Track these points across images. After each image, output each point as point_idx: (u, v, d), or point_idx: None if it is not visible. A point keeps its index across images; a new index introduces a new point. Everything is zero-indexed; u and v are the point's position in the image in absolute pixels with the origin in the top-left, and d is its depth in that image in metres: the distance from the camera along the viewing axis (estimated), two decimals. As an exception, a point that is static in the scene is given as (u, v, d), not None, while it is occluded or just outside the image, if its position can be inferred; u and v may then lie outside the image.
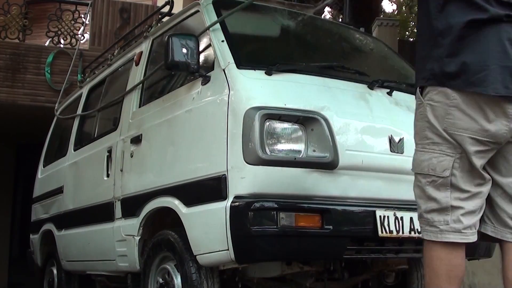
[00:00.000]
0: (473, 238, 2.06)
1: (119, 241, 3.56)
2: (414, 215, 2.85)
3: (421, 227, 2.12)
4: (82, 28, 7.58)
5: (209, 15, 3.13)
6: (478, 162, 2.02)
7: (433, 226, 2.05)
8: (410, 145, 3.00)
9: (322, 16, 10.21)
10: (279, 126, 2.68)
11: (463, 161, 2.02)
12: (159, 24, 3.85)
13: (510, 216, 2.14)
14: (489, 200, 2.11)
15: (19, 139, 9.18)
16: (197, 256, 2.79)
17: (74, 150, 4.66)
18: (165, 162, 3.17)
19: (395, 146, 2.94)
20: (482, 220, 2.12)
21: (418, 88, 2.12)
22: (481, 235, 2.16)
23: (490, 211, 2.13)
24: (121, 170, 3.60)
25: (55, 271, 4.99)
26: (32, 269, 5.70)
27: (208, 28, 3.05)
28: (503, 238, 2.17)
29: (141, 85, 3.66)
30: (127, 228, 3.46)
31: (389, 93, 3.15)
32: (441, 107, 2.02)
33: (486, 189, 2.08)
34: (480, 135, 2.00)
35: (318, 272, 3.08)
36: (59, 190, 4.80)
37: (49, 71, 6.90)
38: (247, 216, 2.52)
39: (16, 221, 9.83)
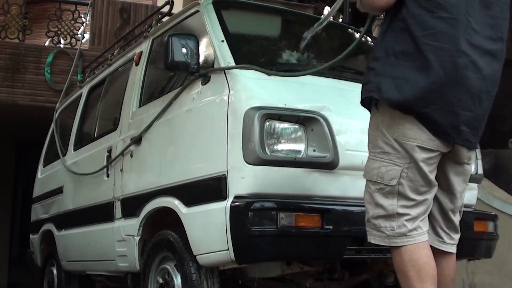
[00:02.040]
0: (422, 238, 2.14)
1: (119, 241, 3.56)
2: (414, 215, 2.86)
3: (368, 231, 2.21)
4: (82, 28, 7.58)
5: (209, 15, 3.12)
6: (427, 168, 2.12)
7: (380, 231, 2.15)
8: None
9: (322, 16, 10.20)
10: (279, 126, 2.68)
11: (411, 170, 2.11)
12: (159, 24, 3.84)
13: (441, 227, 2.30)
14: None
15: (19, 139, 9.18)
16: (197, 256, 2.79)
17: (74, 150, 4.66)
18: (165, 162, 3.16)
19: (395, 146, 2.93)
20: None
21: (373, 99, 2.19)
22: None
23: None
24: (121, 170, 3.60)
25: (55, 271, 4.99)
26: (32, 269, 5.70)
27: None
28: (432, 244, 2.28)
29: (141, 85, 3.66)
30: (127, 228, 3.46)
31: (389, 93, 3.15)
32: (393, 118, 2.12)
33: (431, 196, 2.19)
34: (428, 145, 2.10)
35: (318, 272, 3.08)
36: (59, 190, 4.80)
37: (49, 71, 6.89)
38: (247, 216, 2.52)
39: (16, 221, 9.84)
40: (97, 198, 3.90)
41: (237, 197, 2.58)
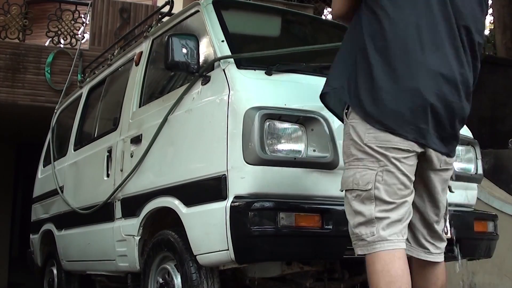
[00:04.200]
0: (402, 245, 2.08)
1: (119, 241, 3.56)
2: (414, 215, 2.86)
3: (353, 244, 2.17)
4: (82, 28, 7.58)
5: (209, 15, 3.13)
6: (404, 168, 2.09)
7: (362, 240, 2.10)
8: (410, 145, 3.00)
9: (322, 16, 10.21)
10: (279, 126, 2.68)
11: (386, 174, 2.07)
12: (159, 24, 3.84)
13: (425, 238, 2.28)
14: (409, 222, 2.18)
15: (19, 139, 9.18)
16: (197, 256, 2.79)
17: (74, 150, 4.66)
18: (165, 162, 3.17)
19: (395, 146, 2.93)
20: None
21: (344, 110, 2.21)
22: None
23: (409, 231, 2.21)
24: (121, 170, 3.60)
25: (55, 271, 4.99)
26: (32, 269, 5.70)
27: None
28: (418, 256, 2.29)
29: (141, 85, 3.66)
30: (127, 228, 3.46)
31: (389, 93, 3.15)
32: (361, 123, 2.11)
33: (410, 198, 2.14)
34: (401, 145, 2.07)
35: (318, 272, 3.08)
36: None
37: (49, 71, 6.90)
38: (247, 216, 2.52)
39: (16, 221, 9.84)
40: (97, 198, 3.90)
41: (237, 197, 2.58)
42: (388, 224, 2.07)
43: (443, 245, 2.35)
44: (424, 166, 2.19)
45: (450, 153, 2.22)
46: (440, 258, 2.34)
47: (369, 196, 2.08)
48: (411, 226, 2.22)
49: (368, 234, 2.08)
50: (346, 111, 2.20)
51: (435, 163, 2.19)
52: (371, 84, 2.09)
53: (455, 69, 2.11)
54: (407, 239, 2.16)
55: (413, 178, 2.14)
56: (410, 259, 2.25)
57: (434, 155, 2.16)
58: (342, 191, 2.21)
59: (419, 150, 2.12)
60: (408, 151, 2.09)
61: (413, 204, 2.18)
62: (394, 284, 2.02)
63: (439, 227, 2.32)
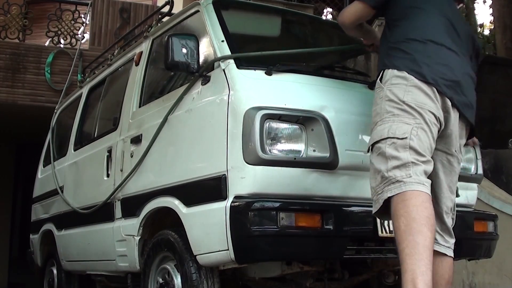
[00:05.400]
0: (427, 188, 2.20)
1: (119, 241, 3.56)
2: (414, 215, 2.85)
3: (381, 191, 2.24)
4: (82, 28, 7.57)
5: (209, 15, 3.12)
6: (432, 133, 2.28)
7: (397, 182, 2.19)
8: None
9: (323, 16, 10.20)
10: (279, 126, 2.68)
11: (420, 131, 2.25)
12: (159, 24, 3.84)
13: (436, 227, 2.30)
14: None
15: (19, 139, 9.18)
16: (197, 256, 2.79)
17: (74, 150, 4.66)
18: (165, 162, 3.16)
19: (395, 146, 2.93)
20: None
21: (378, 76, 2.42)
22: None
23: None
24: (121, 170, 3.60)
25: (55, 271, 4.99)
26: (32, 269, 5.70)
27: None
28: None
29: (141, 85, 3.66)
30: (127, 228, 3.46)
31: (389, 93, 3.15)
32: (401, 87, 2.32)
33: (432, 164, 2.28)
34: (435, 111, 2.30)
35: (318, 272, 3.08)
36: (59, 190, 4.80)
37: (49, 71, 6.89)
38: (247, 216, 2.52)
39: (16, 221, 9.83)
40: (97, 198, 3.90)
41: (237, 197, 2.58)
42: (421, 171, 2.19)
43: (452, 241, 2.40)
44: (441, 148, 2.37)
45: (470, 119, 2.44)
46: (448, 252, 2.38)
47: (404, 144, 2.21)
48: None
49: (403, 176, 2.17)
50: (380, 78, 2.41)
51: (454, 143, 2.37)
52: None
53: None
54: None
55: (434, 147, 2.30)
56: None
57: (454, 133, 2.36)
58: (369, 147, 2.35)
59: (442, 126, 2.31)
60: (438, 119, 2.28)
61: (431, 185, 2.27)
62: (430, 220, 2.10)
63: (448, 220, 2.35)
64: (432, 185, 2.28)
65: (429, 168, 2.25)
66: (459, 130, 2.48)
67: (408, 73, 2.34)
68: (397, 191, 2.15)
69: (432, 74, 2.33)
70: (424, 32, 2.42)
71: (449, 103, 2.37)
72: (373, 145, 2.34)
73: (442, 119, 2.34)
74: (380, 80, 2.44)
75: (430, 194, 2.18)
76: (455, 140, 2.42)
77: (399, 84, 2.33)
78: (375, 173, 2.27)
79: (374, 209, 2.32)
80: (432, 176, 2.31)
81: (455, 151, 2.43)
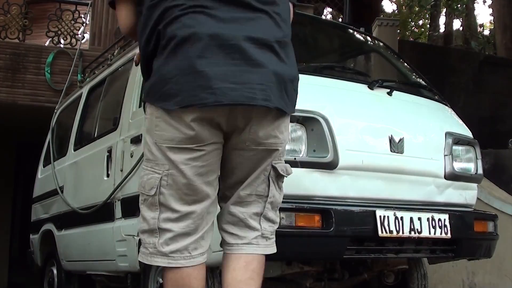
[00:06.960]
0: (185, 262, 1.90)
1: (119, 241, 3.56)
2: (414, 215, 2.86)
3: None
4: (82, 28, 7.58)
5: (209, 15, 3.11)
6: (190, 171, 1.86)
7: (145, 247, 1.92)
8: (410, 145, 3.01)
9: (322, 16, 10.21)
10: (279, 126, 2.67)
11: (171, 178, 1.86)
12: (159, 24, 3.83)
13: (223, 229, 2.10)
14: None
15: (19, 139, 9.18)
16: (197, 256, 2.78)
17: (74, 150, 4.66)
18: (165, 162, 3.15)
19: (395, 146, 2.94)
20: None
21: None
22: None
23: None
24: (121, 170, 3.60)
25: (55, 271, 4.99)
26: (32, 269, 5.70)
27: None
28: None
29: (141, 85, 3.66)
30: (127, 228, 3.45)
31: (389, 93, 3.15)
32: (151, 119, 1.90)
33: (200, 208, 1.93)
34: (186, 143, 1.84)
35: (318, 272, 3.08)
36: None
37: (49, 71, 6.89)
38: (247, 216, 2.51)
39: (16, 221, 9.83)
40: (97, 198, 3.90)
41: (237, 197, 2.57)
42: (170, 238, 1.90)
43: (249, 234, 2.11)
44: (231, 145, 1.99)
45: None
46: (244, 249, 2.12)
47: (154, 202, 1.91)
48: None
49: (150, 245, 1.92)
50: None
51: (240, 137, 1.96)
52: None
53: None
54: None
55: (204, 185, 2.00)
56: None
57: (233, 121, 1.92)
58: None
59: (217, 139, 1.93)
60: (194, 150, 1.90)
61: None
62: None
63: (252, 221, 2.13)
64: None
65: (186, 223, 1.93)
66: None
67: None
68: (144, 261, 1.91)
69: None
70: None
71: None
72: None
73: (207, 130, 1.89)
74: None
75: (177, 267, 1.90)
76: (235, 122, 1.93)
77: (150, 116, 1.93)
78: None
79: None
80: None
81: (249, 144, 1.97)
